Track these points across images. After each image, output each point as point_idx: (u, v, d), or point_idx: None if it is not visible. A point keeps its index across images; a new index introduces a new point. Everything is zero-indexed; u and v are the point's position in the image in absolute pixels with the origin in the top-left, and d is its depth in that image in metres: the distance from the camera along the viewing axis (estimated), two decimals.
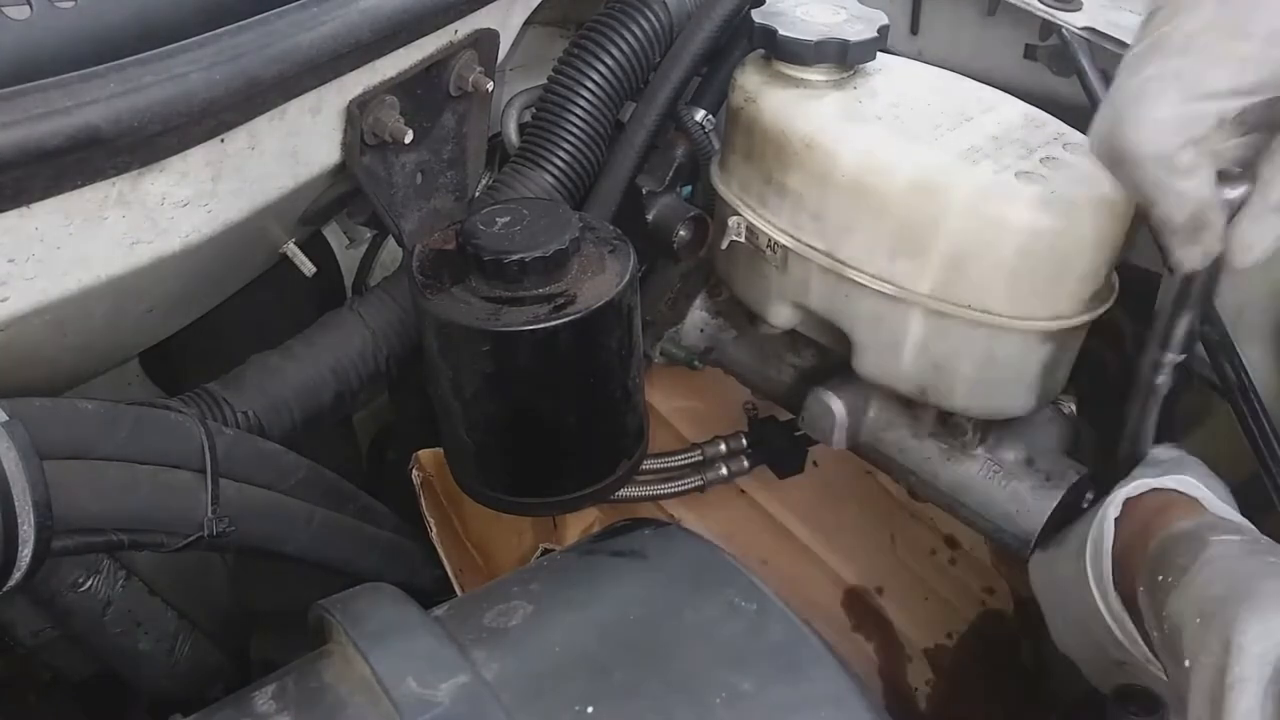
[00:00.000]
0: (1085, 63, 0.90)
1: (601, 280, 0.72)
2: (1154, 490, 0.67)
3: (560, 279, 0.71)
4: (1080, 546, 0.69)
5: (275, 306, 0.95)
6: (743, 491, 1.06)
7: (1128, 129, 0.55)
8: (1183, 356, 0.71)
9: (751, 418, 0.99)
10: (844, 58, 0.79)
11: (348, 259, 1.09)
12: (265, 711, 0.53)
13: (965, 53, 1.01)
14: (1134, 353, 0.92)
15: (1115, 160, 0.57)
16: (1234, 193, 0.58)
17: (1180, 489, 0.67)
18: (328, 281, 1.05)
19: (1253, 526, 0.66)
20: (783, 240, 0.79)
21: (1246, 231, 0.57)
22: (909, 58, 0.91)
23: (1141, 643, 0.64)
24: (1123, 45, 0.90)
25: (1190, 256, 0.59)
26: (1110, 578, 0.65)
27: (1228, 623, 0.50)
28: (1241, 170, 0.58)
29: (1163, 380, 0.72)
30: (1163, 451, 0.73)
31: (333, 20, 0.67)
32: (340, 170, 0.78)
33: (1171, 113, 0.54)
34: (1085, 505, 0.78)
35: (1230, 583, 0.53)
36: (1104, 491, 0.74)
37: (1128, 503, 0.67)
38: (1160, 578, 0.58)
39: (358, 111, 0.75)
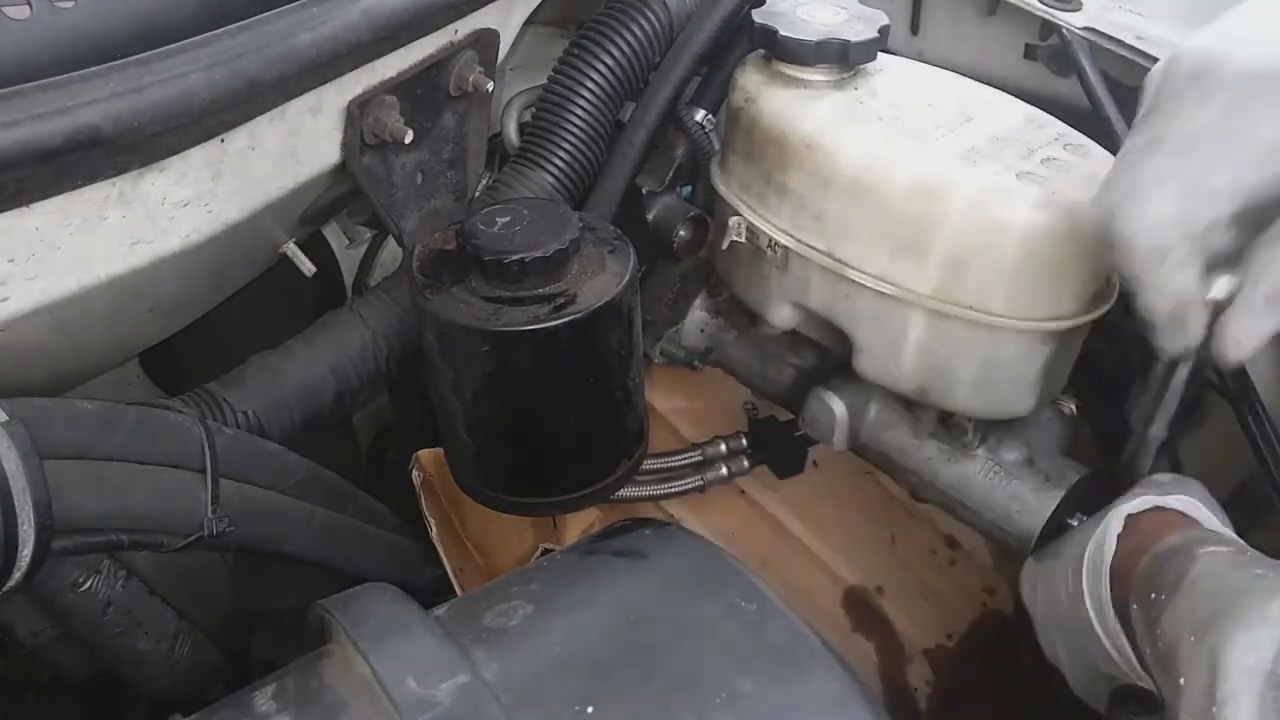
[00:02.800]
0: (1085, 63, 0.90)
1: (601, 280, 0.72)
2: (1155, 508, 0.67)
3: (560, 279, 0.71)
4: (1076, 560, 0.69)
5: (275, 306, 0.95)
6: (743, 491, 1.06)
7: (1126, 221, 0.57)
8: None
9: (751, 418, 0.99)
10: (845, 58, 0.79)
11: (348, 259, 1.09)
12: (265, 711, 0.53)
13: (965, 53, 1.01)
14: (1134, 353, 0.92)
15: (1109, 246, 0.59)
16: (1220, 289, 0.59)
17: (1182, 509, 0.67)
18: (328, 281, 1.05)
19: (1243, 543, 0.66)
20: (783, 240, 0.79)
21: (1236, 327, 0.58)
22: (909, 58, 0.91)
23: (1134, 658, 0.64)
24: (1123, 45, 0.90)
25: (1173, 346, 0.61)
26: (1107, 594, 0.65)
27: (1215, 640, 0.50)
28: (1228, 264, 0.59)
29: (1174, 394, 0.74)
30: (1162, 476, 0.74)
31: (333, 20, 0.67)
32: (340, 170, 0.78)
33: (1170, 210, 0.56)
34: (1075, 522, 0.78)
35: (1217, 599, 0.53)
36: (1093, 508, 0.74)
37: (1129, 519, 0.67)
38: (1153, 595, 0.58)
39: (358, 111, 0.75)
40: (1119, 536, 0.66)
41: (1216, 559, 0.58)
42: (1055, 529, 0.78)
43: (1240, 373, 0.77)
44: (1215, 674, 0.48)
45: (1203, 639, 0.51)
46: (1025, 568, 0.78)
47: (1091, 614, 0.66)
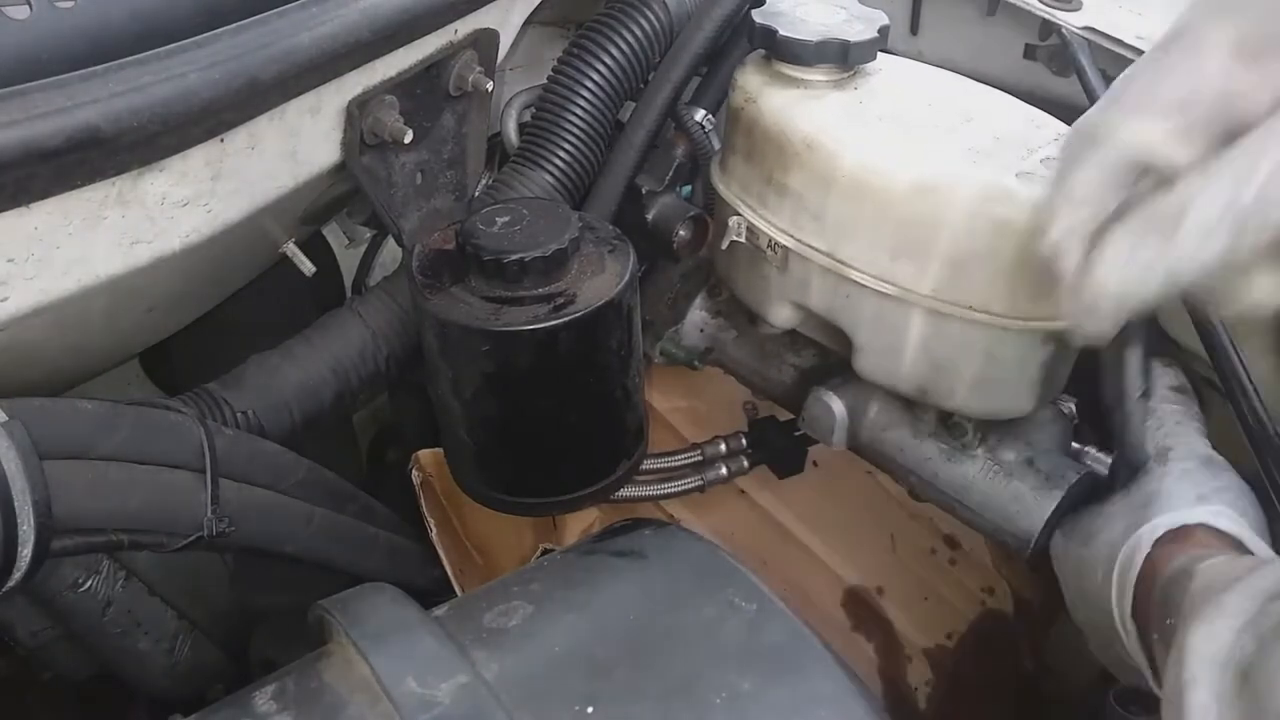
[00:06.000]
0: (1085, 63, 0.89)
1: (601, 280, 0.72)
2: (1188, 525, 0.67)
3: (560, 279, 0.71)
4: (1107, 563, 0.68)
5: (275, 306, 0.95)
6: (743, 491, 1.06)
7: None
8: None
9: (751, 417, 0.99)
10: (845, 58, 0.79)
11: (348, 259, 1.09)
12: (265, 711, 0.53)
13: (965, 53, 1.01)
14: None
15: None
16: None
17: (1210, 521, 0.66)
18: (328, 281, 1.05)
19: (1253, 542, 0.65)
20: (783, 240, 0.79)
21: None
22: (909, 58, 0.91)
23: (1151, 676, 0.64)
24: (1123, 45, 0.90)
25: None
26: (1130, 613, 0.65)
27: (1181, 637, 0.52)
28: None
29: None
30: (1188, 456, 0.73)
31: (332, 20, 0.67)
32: (340, 170, 0.78)
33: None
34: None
35: (1194, 604, 0.55)
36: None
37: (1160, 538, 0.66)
38: (1168, 621, 0.59)
39: (357, 111, 0.75)
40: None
41: (1211, 570, 0.58)
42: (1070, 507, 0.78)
43: (1240, 372, 0.77)
44: (1180, 665, 0.51)
45: (1178, 643, 0.53)
46: (1054, 542, 0.78)
47: (1120, 627, 0.66)
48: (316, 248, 1.01)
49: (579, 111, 0.90)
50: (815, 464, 1.01)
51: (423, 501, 0.87)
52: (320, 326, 0.85)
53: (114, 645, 0.80)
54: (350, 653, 0.54)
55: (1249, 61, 0.48)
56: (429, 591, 0.85)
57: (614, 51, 0.90)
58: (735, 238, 0.82)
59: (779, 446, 0.95)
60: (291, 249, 0.85)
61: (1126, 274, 0.50)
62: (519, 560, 0.93)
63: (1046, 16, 0.94)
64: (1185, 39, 0.50)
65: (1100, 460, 0.82)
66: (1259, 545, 0.66)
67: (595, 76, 0.90)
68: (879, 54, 0.81)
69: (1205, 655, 0.50)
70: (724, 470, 0.95)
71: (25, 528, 0.56)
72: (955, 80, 0.84)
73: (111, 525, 0.65)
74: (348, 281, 1.09)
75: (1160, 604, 0.61)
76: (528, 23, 0.91)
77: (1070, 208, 0.53)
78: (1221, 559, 0.60)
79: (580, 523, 0.98)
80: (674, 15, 0.93)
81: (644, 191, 0.92)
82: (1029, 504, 0.79)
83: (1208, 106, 0.49)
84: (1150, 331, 0.77)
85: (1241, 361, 0.77)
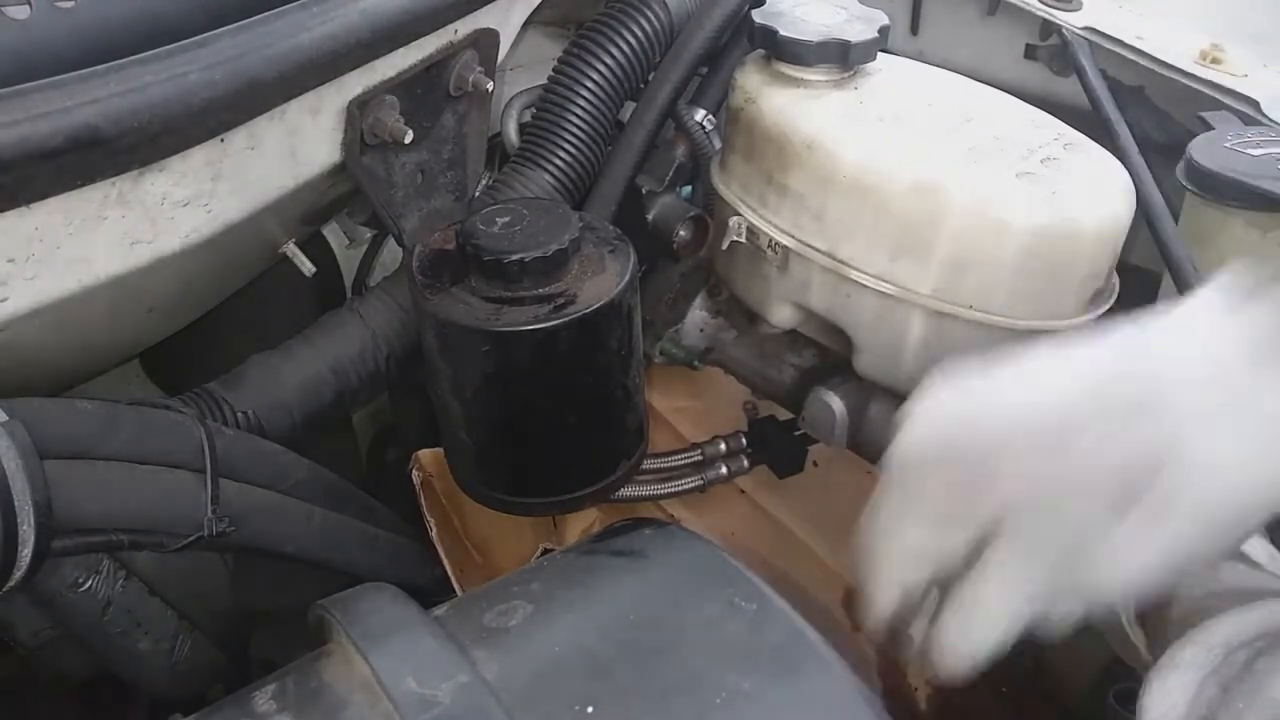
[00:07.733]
0: (1085, 63, 0.90)
1: (601, 280, 0.72)
2: None
3: (560, 279, 0.71)
4: None
5: (275, 306, 0.95)
6: (743, 491, 1.06)
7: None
8: None
9: (751, 417, 0.99)
10: (845, 58, 0.79)
11: (348, 259, 1.09)
12: (265, 711, 0.53)
13: (965, 53, 1.01)
14: None
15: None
16: None
17: None
18: (328, 281, 1.05)
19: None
20: (784, 240, 0.79)
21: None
22: (909, 58, 0.91)
23: None
24: (1123, 45, 0.91)
25: None
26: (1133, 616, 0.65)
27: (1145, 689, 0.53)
28: None
29: None
30: None
31: (333, 20, 0.67)
32: (340, 170, 0.78)
33: None
34: None
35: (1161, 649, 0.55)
36: None
37: None
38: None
39: (357, 111, 0.75)
40: None
41: (1190, 599, 0.59)
42: None
43: None
44: None
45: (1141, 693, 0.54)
46: None
47: (1128, 627, 0.66)
48: (316, 248, 1.01)
49: (579, 112, 0.90)
50: (815, 464, 1.01)
51: (423, 501, 0.87)
52: (320, 326, 0.85)
53: (114, 645, 0.80)
54: (350, 652, 0.54)
55: None
56: (429, 591, 0.84)
57: (614, 52, 0.90)
58: (735, 238, 0.82)
59: (779, 446, 0.95)
60: (291, 249, 0.85)
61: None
62: (519, 560, 0.92)
63: (1047, 16, 0.95)
64: None
65: None
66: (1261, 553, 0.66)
67: (595, 77, 0.90)
68: (879, 54, 0.81)
69: (1159, 716, 0.50)
70: (724, 470, 0.95)
71: (25, 528, 0.56)
72: (955, 80, 0.84)
73: (111, 525, 0.65)
74: (348, 281, 1.09)
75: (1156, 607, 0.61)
76: (528, 23, 0.91)
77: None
78: (1198, 595, 0.60)
79: (580, 523, 0.98)
80: (674, 15, 0.93)
81: (644, 191, 0.92)
82: None
83: None
84: None
85: None
